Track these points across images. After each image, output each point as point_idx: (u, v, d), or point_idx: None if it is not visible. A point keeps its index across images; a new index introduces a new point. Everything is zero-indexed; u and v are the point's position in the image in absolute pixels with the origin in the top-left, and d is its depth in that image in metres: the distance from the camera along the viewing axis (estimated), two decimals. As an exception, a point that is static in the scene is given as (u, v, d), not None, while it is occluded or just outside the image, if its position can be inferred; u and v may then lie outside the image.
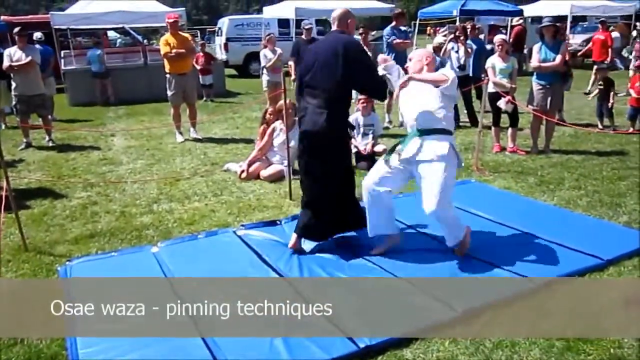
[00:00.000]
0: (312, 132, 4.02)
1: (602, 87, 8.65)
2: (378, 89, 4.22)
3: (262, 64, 9.62)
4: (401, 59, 8.88)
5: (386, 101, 9.07)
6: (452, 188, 3.90)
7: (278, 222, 4.89)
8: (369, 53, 8.48)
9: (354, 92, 8.87)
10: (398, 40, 8.75)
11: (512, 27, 16.44)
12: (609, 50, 12.36)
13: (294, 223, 4.83)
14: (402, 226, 4.66)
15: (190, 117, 8.61)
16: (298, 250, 4.22)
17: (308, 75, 4.11)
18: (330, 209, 4.17)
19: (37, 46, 9.36)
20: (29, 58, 7.91)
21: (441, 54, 8.81)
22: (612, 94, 8.48)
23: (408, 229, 4.62)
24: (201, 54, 12.95)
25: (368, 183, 4.08)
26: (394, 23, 9.01)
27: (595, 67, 12.07)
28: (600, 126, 8.55)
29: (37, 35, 11.03)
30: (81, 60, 13.51)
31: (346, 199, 4.25)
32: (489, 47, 10.27)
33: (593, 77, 12.04)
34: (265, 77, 9.65)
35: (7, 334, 3.25)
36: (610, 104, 8.46)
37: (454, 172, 3.91)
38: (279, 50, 9.39)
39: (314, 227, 4.20)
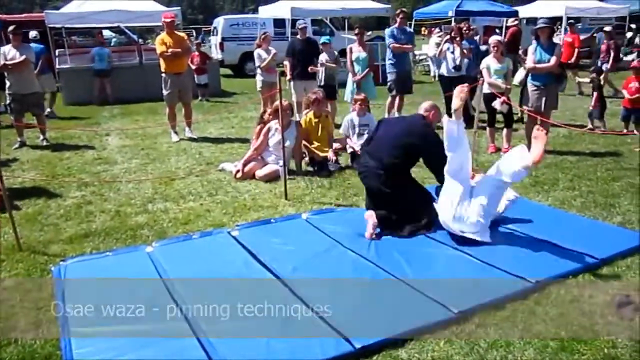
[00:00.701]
0: (375, 192, 4.74)
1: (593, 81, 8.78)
2: (442, 176, 4.50)
3: (257, 63, 9.59)
4: (401, 61, 8.92)
5: (388, 101, 9.10)
6: None
7: (272, 221, 4.90)
8: (365, 54, 8.57)
9: (349, 92, 8.93)
10: (396, 45, 8.75)
11: (507, 27, 16.49)
12: (575, 51, 12.33)
13: (288, 222, 4.86)
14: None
15: (185, 116, 8.60)
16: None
17: (375, 142, 4.88)
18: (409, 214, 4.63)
19: (33, 44, 9.37)
20: (23, 57, 7.88)
21: (437, 55, 8.82)
22: (596, 95, 8.64)
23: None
24: (196, 53, 12.93)
25: None
26: (396, 24, 9.01)
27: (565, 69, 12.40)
28: (590, 126, 8.60)
29: (33, 34, 11.01)
30: (76, 59, 13.43)
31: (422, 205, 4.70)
32: (483, 47, 10.30)
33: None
34: (259, 77, 9.63)
35: (1, 334, 3.24)
36: (594, 106, 8.63)
37: None
38: (273, 50, 9.37)
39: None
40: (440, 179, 4.54)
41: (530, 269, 3.76)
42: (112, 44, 17.05)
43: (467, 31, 9.41)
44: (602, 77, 11.02)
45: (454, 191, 4.26)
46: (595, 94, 8.66)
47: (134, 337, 3.10)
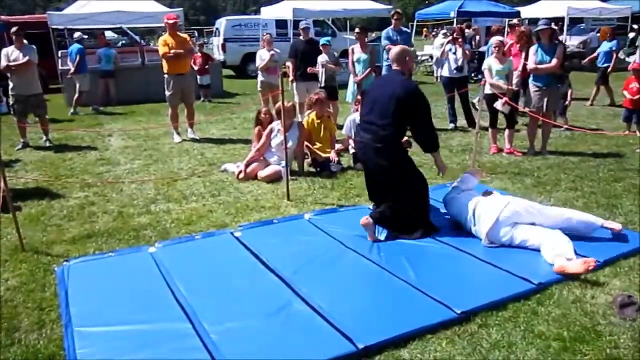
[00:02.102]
0: (372, 166, 4.56)
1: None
2: (426, 137, 4.55)
3: (257, 64, 9.63)
4: None
5: None
6: None
7: (275, 221, 4.91)
8: (366, 55, 8.57)
9: (350, 93, 8.95)
10: (390, 46, 8.74)
11: (511, 27, 16.48)
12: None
13: (291, 223, 4.87)
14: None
15: (187, 117, 8.62)
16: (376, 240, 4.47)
17: (366, 110, 4.61)
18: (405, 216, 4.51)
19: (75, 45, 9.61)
20: (26, 58, 7.90)
21: (439, 56, 8.81)
22: (569, 92, 8.74)
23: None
24: (199, 54, 12.95)
25: None
26: (392, 25, 9.00)
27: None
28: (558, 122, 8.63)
29: (77, 34, 12.08)
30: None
31: (416, 209, 4.56)
32: (485, 48, 10.29)
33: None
34: (259, 78, 9.66)
35: (5, 334, 3.25)
36: (567, 103, 8.79)
37: None
38: (271, 52, 9.38)
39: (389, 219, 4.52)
40: (426, 144, 4.58)
41: (533, 270, 3.76)
42: (118, 45, 17.06)
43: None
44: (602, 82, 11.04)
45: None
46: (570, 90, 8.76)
47: (137, 338, 3.11)
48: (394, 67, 4.64)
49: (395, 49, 4.67)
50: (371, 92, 4.71)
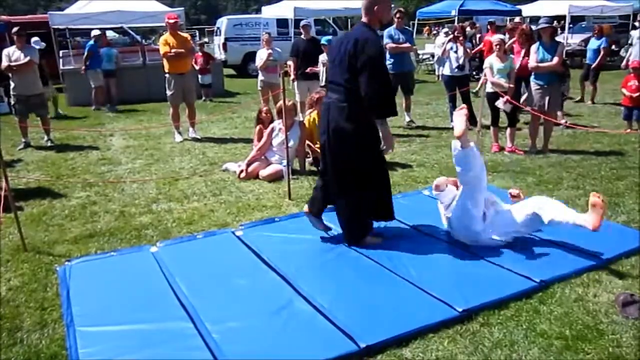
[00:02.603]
0: (333, 127, 4.04)
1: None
2: (374, 103, 3.87)
3: (257, 63, 9.65)
4: (399, 62, 8.89)
5: (404, 101, 9.08)
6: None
7: (276, 220, 4.91)
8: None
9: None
10: (392, 45, 8.74)
11: (516, 25, 16.45)
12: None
13: (292, 221, 4.87)
14: (402, 226, 4.67)
15: (189, 117, 8.62)
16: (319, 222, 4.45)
17: (330, 70, 4.23)
18: (360, 199, 4.17)
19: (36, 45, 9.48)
20: (27, 58, 7.91)
21: (440, 54, 8.80)
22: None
23: (409, 229, 4.63)
24: (200, 53, 12.96)
25: None
26: (394, 24, 8.99)
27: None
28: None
29: (110, 34, 12.47)
30: (80, 60, 13.47)
31: (375, 188, 4.20)
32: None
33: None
34: (259, 77, 9.67)
35: (7, 334, 3.26)
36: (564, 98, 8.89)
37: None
38: (268, 51, 9.37)
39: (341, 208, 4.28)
40: (372, 107, 3.87)
41: (535, 269, 3.76)
42: (124, 44, 17.07)
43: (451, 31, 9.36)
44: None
45: (468, 214, 4.14)
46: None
47: (139, 337, 3.11)
48: (363, 18, 4.10)
49: (366, 1, 4.06)
50: (332, 49, 4.27)
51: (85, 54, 11.75)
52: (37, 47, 9.21)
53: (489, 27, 12.93)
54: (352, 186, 4.12)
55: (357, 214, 4.24)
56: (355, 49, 3.85)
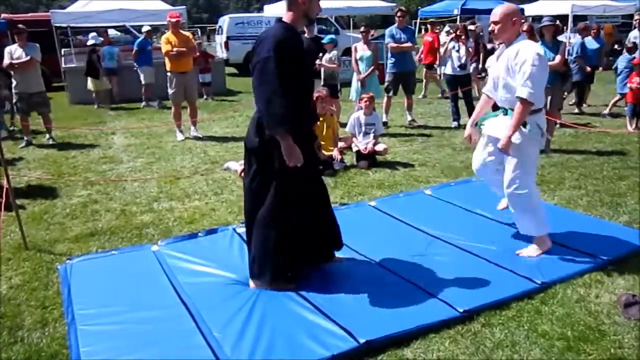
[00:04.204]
0: (245, 142, 3.50)
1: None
2: (262, 113, 3.25)
3: None
4: (400, 62, 8.88)
5: (384, 102, 9.08)
6: (530, 169, 3.92)
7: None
8: (369, 52, 8.54)
9: (354, 91, 8.94)
10: (393, 44, 8.72)
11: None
12: (437, 52, 11.89)
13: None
14: (404, 225, 4.66)
15: (190, 115, 8.62)
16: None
17: None
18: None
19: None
20: (29, 57, 7.91)
21: (442, 53, 8.78)
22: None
23: (411, 228, 4.62)
24: (198, 52, 12.98)
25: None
26: (396, 23, 8.97)
27: (425, 70, 12.43)
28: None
29: (146, 28, 12.40)
30: (82, 58, 13.47)
31: (295, 222, 3.53)
32: (489, 46, 10.24)
33: (424, 80, 12.52)
34: None
35: (8, 332, 3.26)
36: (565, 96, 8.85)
37: (532, 151, 3.90)
38: None
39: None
40: (264, 117, 3.22)
41: (536, 269, 3.75)
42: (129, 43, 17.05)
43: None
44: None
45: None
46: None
47: (140, 336, 3.11)
48: (284, 16, 3.40)
49: None
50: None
51: (135, 49, 11.90)
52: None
53: (429, 27, 12.90)
54: (266, 216, 3.47)
55: (268, 251, 3.52)
56: (254, 50, 3.28)
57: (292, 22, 3.35)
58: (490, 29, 3.89)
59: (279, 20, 3.37)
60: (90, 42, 12.56)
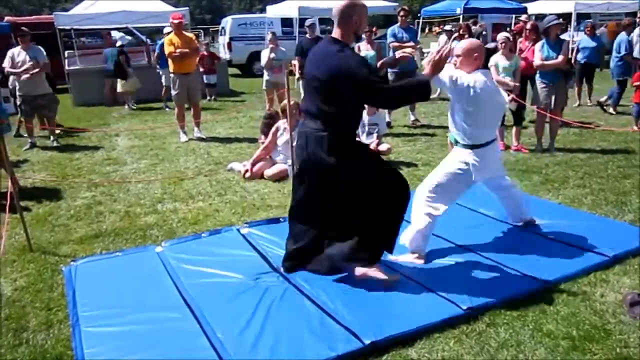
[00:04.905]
0: (311, 160, 3.48)
1: None
2: (377, 101, 3.76)
3: (262, 63, 9.68)
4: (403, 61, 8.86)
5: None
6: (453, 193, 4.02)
7: (281, 220, 4.90)
8: (373, 52, 8.53)
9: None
10: (395, 44, 8.71)
11: (515, 24, 16.39)
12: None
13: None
14: (407, 225, 4.65)
15: (194, 116, 8.64)
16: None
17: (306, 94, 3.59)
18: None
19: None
20: (30, 63, 7.86)
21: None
22: None
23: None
24: (205, 52, 13.01)
25: None
26: (398, 22, 8.96)
27: None
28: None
29: (167, 30, 11.89)
30: (85, 60, 13.52)
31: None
32: (492, 45, 10.17)
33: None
34: (264, 77, 9.69)
35: (13, 334, 3.26)
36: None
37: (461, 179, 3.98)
38: (271, 54, 9.38)
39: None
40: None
41: (541, 268, 3.74)
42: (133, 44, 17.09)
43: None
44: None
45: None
46: None
47: (144, 337, 3.12)
48: (334, 31, 3.45)
49: (338, 4, 3.39)
50: (306, 70, 3.58)
51: (157, 52, 11.84)
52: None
53: (434, 28, 12.79)
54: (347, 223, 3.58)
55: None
56: (343, 75, 3.25)
57: (344, 40, 3.40)
58: (452, 61, 3.90)
59: (334, 39, 3.40)
60: (118, 44, 12.56)
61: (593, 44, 10.39)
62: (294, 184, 3.76)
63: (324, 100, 3.38)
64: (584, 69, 10.48)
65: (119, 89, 12.14)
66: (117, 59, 11.97)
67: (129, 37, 13.06)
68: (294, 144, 4.45)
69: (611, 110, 9.68)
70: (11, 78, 8.69)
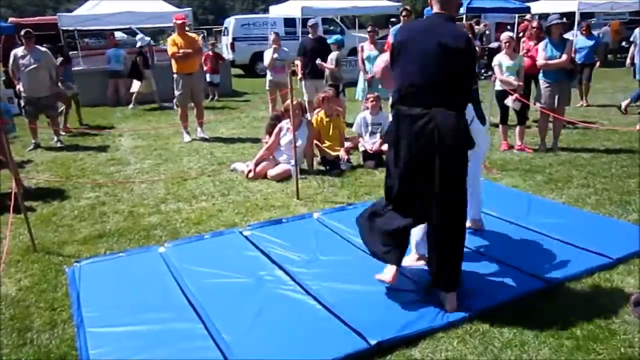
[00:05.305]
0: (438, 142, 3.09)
1: None
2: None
3: (265, 63, 9.70)
4: None
5: (390, 101, 9.06)
6: None
7: (284, 221, 4.90)
8: (376, 52, 8.53)
9: (360, 91, 8.93)
10: None
11: (519, 24, 16.36)
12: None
13: (299, 222, 4.85)
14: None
15: (197, 116, 8.64)
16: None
17: (418, 70, 3.21)
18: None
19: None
20: (35, 65, 7.89)
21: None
22: None
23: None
24: (210, 52, 13.04)
25: None
26: (401, 22, 8.95)
27: None
28: None
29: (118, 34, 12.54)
30: (89, 61, 13.54)
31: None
32: (495, 44, 10.19)
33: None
34: (267, 77, 9.70)
35: (17, 334, 3.27)
36: None
37: None
38: (274, 55, 9.38)
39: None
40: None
41: (544, 268, 3.73)
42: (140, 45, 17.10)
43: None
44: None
45: None
46: None
47: (148, 338, 3.12)
48: (436, 9, 3.31)
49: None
50: (409, 45, 3.29)
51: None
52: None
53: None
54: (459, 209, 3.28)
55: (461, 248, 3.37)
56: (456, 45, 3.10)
57: (454, 15, 3.44)
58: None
59: (446, 18, 3.28)
60: (138, 45, 12.60)
61: (589, 42, 10.35)
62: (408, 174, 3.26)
63: (448, 74, 3.14)
64: (582, 69, 10.42)
65: (133, 89, 12.16)
66: (135, 59, 12.06)
67: (147, 38, 13.02)
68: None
69: (623, 108, 9.52)
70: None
